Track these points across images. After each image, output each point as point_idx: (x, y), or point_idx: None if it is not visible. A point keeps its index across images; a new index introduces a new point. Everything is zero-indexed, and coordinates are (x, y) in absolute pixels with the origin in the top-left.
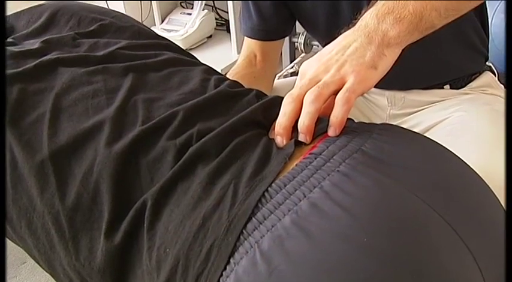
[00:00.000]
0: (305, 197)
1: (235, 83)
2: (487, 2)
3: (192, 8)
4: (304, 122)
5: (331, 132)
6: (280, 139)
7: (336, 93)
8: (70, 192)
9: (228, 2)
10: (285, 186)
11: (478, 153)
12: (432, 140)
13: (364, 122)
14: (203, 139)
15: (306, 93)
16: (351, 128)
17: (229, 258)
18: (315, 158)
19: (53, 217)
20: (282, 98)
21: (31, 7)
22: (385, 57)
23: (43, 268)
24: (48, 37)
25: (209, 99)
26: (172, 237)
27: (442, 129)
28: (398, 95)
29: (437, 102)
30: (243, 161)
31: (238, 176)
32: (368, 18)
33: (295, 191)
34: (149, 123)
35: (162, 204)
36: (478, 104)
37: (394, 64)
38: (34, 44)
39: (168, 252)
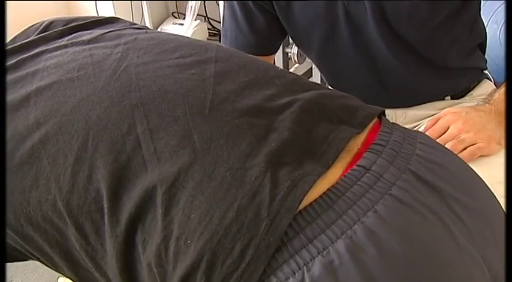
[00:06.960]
0: (359, 219)
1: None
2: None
3: (184, 19)
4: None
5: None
6: None
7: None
8: (65, 173)
9: (221, 12)
10: (336, 201)
11: None
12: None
13: (394, 123)
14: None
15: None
16: (388, 130)
17: (269, 271)
18: (365, 173)
19: (51, 204)
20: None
21: (24, 29)
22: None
23: (60, 267)
24: (35, 37)
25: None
26: (196, 228)
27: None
28: (400, 111)
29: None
30: (278, 145)
31: (274, 164)
32: (498, 106)
33: (348, 210)
34: (147, 91)
35: (179, 187)
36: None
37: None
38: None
39: (190, 245)
